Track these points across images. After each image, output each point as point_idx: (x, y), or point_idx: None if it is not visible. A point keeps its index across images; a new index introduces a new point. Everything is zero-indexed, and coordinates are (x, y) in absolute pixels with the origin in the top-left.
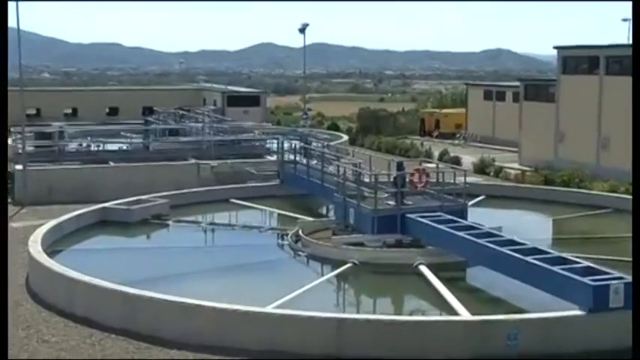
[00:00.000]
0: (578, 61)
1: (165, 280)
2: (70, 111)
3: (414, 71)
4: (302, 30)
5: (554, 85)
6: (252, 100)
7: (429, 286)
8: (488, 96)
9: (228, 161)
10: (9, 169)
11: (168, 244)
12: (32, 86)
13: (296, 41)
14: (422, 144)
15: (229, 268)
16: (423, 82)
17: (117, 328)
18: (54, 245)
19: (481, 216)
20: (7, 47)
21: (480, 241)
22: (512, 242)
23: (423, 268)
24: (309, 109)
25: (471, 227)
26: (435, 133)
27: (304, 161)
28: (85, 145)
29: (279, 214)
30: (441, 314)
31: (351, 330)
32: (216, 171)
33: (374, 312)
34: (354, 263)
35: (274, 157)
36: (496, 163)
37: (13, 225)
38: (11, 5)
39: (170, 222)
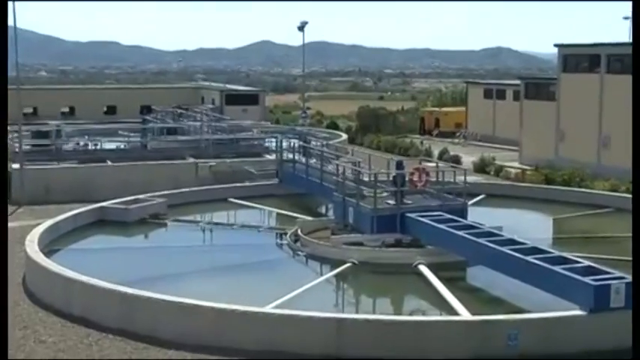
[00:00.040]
0: (578, 59)
1: (163, 280)
2: (67, 110)
3: (413, 70)
4: (301, 28)
5: (554, 83)
6: (250, 99)
7: (429, 286)
8: (488, 94)
9: (227, 160)
10: None
11: (166, 244)
12: (29, 85)
13: (295, 39)
14: (422, 143)
15: (228, 268)
16: (423, 80)
17: (114, 329)
18: (51, 245)
19: (481, 215)
20: (7, 47)
21: (480, 240)
22: (512, 242)
23: (423, 268)
24: (308, 108)
25: (471, 226)
26: (435, 132)
27: (303, 160)
28: (82, 144)
29: (277, 214)
30: (441, 314)
31: (350, 330)
32: (214, 170)
33: (373, 312)
34: (354, 263)
35: (273, 156)
36: (496, 162)
37: (10, 224)
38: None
39: (168, 221)
